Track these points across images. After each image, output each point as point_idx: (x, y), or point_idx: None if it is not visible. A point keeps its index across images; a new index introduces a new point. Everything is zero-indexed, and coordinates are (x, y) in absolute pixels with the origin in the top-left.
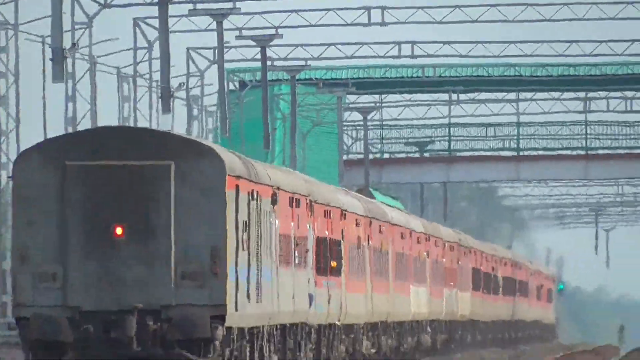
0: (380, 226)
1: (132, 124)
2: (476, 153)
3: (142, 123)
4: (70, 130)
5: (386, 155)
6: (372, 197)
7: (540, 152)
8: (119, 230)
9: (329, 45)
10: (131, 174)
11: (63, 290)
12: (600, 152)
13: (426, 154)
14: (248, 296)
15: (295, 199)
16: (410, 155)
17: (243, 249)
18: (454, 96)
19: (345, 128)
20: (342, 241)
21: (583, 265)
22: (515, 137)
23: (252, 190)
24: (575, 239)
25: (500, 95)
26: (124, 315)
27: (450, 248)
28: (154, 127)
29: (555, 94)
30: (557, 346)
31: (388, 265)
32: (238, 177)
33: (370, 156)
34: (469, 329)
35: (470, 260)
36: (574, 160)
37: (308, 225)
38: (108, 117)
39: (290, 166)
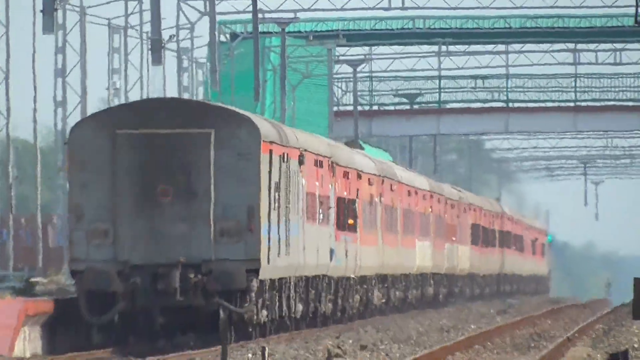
0: (391, 185)
1: (122, 76)
2: (465, 105)
3: (133, 75)
4: (60, 81)
5: (375, 108)
6: (362, 149)
7: (529, 105)
8: (164, 193)
9: None
10: (175, 141)
11: (114, 246)
12: (589, 104)
13: (416, 106)
14: (278, 250)
15: (319, 160)
16: (400, 107)
17: (275, 207)
18: (444, 48)
19: (335, 80)
20: (357, 199)
21: (572, 218)
22: (504, 90)
23: (283, 153)
24: (564, 192)
25: (489, 47)
26: (169, 269)
27: (451, 205)
28: (144, 78)
29: (545, 46)
30: (546, 300)
31: (397, 220)
32: (271, 142)
33: (360, 108)
34: (467, 283)
35: (470, 216)
36: (563, 113)
37: (330, 185)
38: (98, 70)
39: (280, 118)
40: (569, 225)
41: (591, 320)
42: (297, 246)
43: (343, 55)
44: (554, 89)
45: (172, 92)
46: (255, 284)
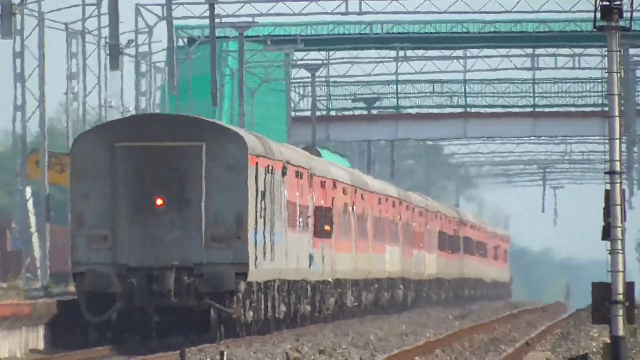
0: (362, 194)
1: (80, 81)
2: (423, 110)
3: (91, 80)
4: (19, 87)
5: (333, 113)
6: (319, 154)
7: (488, 110)
8: (159, 201)
9: (278, 1)
10: (169, 153)
11: (113, 250)
12: (548, 109)
13: (374, 111)
14: (264, 255)
15: (299, 172)
16: (358, 112)
17: (261, 215)
18: (402, 53)
19: (293, 85)
20: (332, 207)
21: (530, 223)
22: (462, 95)
23: (268, 165)
24: (522, 197)
25: (447, 52)
26: (164, 271)
27: (419, 213)
28: (102, 84)
29: (503, 51)
30: (506, 304)
31: (368, 228)
32: (258, 155)
33: (318, 113)
34: (434, 287)
35: (437, 224)
36: (522, 118)
37: (309, 195)
38: (56, 74)
39: (238, 123)
40: (527, 231)
41: (550, 325)
42: (280, 251)
43: (301, 60)
44: (512, 94)
45: (130, 97)
46: (243, 286)
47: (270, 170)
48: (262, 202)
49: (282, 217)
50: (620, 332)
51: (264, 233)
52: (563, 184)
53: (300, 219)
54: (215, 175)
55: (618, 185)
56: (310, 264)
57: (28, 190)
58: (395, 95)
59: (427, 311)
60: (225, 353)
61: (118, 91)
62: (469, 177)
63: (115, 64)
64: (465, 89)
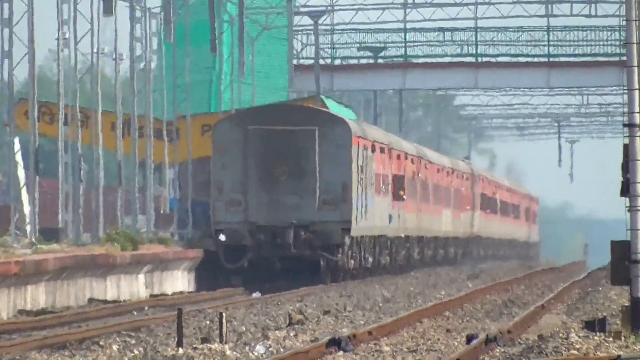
0: (425, 164)
1: (72, 27)
2: (433, 59)
3: (83, 25)
4: (6, 31)
5: (338, 61)
6: (325, 105)
7: (500, 59)
8: (282, 172)
9: None
10: (290, 135)
11: (245, 212)
12: (563, 59)
13: (380, 60)
14: (362, 215)
15: (383, 148)
16: (364, 61)
17: (360, 184)
18: None
19: (296, 33)
20: (404, 175)
21: (545, 179)
22: (473, 44)
23: (364, 144)
24: (537, 151)
25: None
26: (285, 228)
27: (466, 178)
28: (95, 30)
29: None
30: (522, 265)
31: (429, 192)
32: (358, 136)
33: (321, 62)
34: (476, 244)
35: (479, 187)
36: (536, 68)
37: (389, 166)
38: (46, 19)
39: (238, 72)
40: (542, 187)
41: (567, 285)
42: (371, 212)
43: (304, 7)
44: (525, 43)
45: (124, 44)
46: (348, 239)
47: (365, 148)
48: (361, 174)
49: (372, 185)
50: None
51: (361, 198)
52: (579, 138)
53: (383, 186)
54: (326, 153)
55: (638, 138)
56: (390, 222)
57: (16, 142)
58: (403, 44)
59: (436, 269)
60: (223, 315)
61: (111, 38)
62: (481, 129)
63: (108, 10)
64: (476, 37)
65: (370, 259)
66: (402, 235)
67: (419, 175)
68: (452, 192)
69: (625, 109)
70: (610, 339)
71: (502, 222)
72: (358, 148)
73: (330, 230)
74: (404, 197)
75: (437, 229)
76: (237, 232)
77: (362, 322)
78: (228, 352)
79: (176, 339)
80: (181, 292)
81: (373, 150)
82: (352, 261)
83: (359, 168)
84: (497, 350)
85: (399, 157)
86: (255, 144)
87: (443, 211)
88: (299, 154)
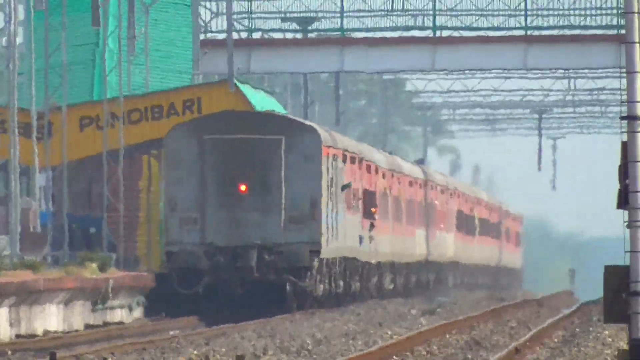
0: (398, 178)
1: None
2: (378, 34)
3: None
4: None
5: (256, 36)
6: (240, 90)
7: (464, 33)
8: (243, 187)
9: None
10: (252, 145)
11: (201, 231)
12: (545, 32)
13: (311, 35)
14: (332, 234)
15: (354, 157)
16: (290, 36)
17: (330, 199)
18: None
19: None
20: (375, 191)
21: (522, 186)
22: (430, 14)
23: (334, 154)
24: (511, 151)
25: None
26: (247, 249)
27: (441, 191)
28: None
29: None
30: (491, 295)
31: (402, 210)
32: (328, 146)
33: (236, 36)
34: (451, 270)
35: (455, 203)
36: (510, 44)
37: (360, 178)
38: None
39: (128, 49)
40: (518, 195)
41: (548, 324)
42: (342, 231)
43: None
44: (497, 12)
45: None
46: (316, 262)
47: (335, 158)
48: (331, 187)
49: (342, 199)
50: None
51: (331, 215)
52: (564, 134)
53: (354, 201)
54: (293, 164)
55: (639, 134)
56: (360, 243)
57: None
58: (339, 15)
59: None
60: None
61: None
62: (439, 122)
63: None
64: (434, 5)
65: (342, 284)
66: (373, 262)
67: (391, 191)
68: (426, 209)
69: (624, 97)
70: None
71: (479, 244)
72: (328, 159)
73: (297, 252)
74: (376, 215)
75: (410, 253)
76: (193, 254)
77: None
78: None
79: None
80: (55, 332)
81: (344, 161)
82: (321, 286)
83: (330, 181)
84: None
85: (368, 169)
86: (212, 156)
87: (417, 232)
88: (263, 166)
